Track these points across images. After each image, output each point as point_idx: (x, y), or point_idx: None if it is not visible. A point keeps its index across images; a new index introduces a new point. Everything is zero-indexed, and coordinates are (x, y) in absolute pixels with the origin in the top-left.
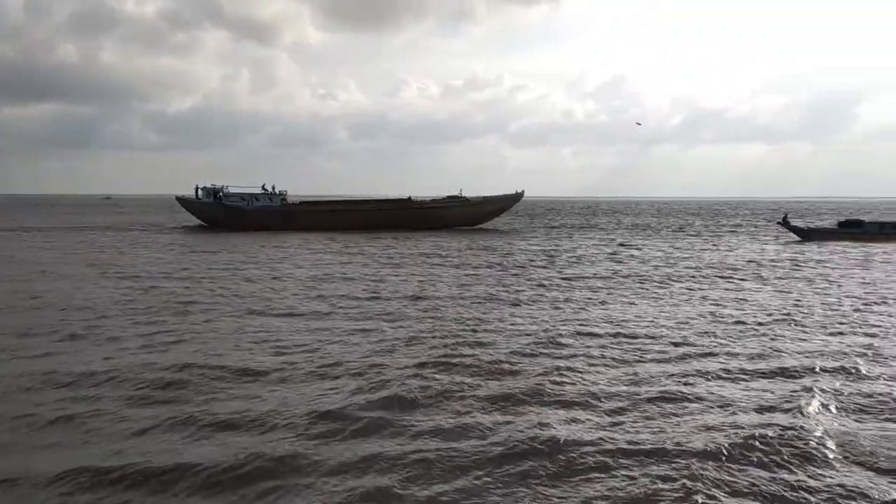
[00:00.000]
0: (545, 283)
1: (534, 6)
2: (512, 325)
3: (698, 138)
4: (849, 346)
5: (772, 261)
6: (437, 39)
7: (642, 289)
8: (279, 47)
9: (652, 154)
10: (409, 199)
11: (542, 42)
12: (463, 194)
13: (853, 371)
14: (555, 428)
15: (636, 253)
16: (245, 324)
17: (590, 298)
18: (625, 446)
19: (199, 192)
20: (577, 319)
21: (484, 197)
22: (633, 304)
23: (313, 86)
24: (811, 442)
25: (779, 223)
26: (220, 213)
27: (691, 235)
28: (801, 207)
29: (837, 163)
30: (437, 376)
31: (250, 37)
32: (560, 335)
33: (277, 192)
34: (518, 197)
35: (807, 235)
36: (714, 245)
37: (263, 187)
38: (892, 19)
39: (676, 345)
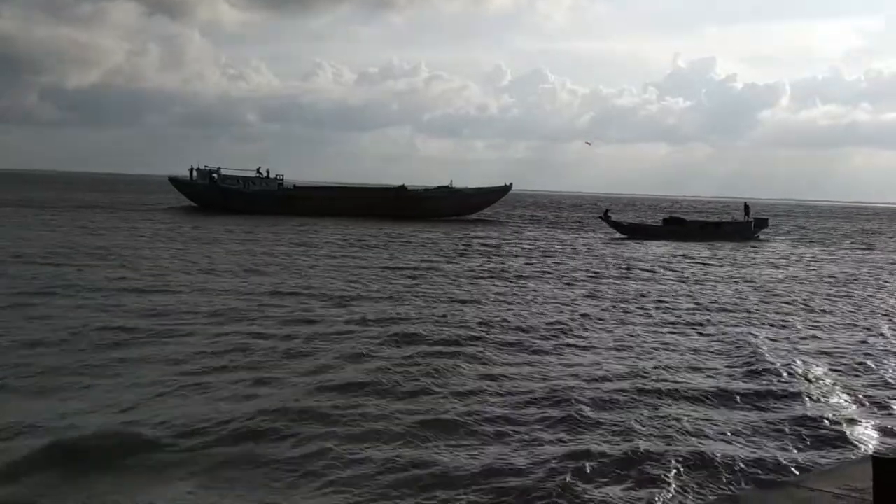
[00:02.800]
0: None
1: None
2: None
3: (607, 136)
4: None
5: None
6: (356, 26)
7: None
8: (192, 24)
9: (562, 150)
10: (403, 187)
11: (461, 35)
12: (452, 184)
13: None
14: None
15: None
16: None
17: None
18: None
19: (194, 173)
20: None
21: (475, 188)
22: None
23: (223, 66)
24: None
25: (600, 218)
26: (216, 196)
27: (546, 227)
28: (697, 205)
29: (737, 165)
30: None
31: (162, 11)
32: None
33: (273, 176)
34: (506, 189)
35: (629, 232)
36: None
37: (258, 171)
38: (795, 26)
39: None
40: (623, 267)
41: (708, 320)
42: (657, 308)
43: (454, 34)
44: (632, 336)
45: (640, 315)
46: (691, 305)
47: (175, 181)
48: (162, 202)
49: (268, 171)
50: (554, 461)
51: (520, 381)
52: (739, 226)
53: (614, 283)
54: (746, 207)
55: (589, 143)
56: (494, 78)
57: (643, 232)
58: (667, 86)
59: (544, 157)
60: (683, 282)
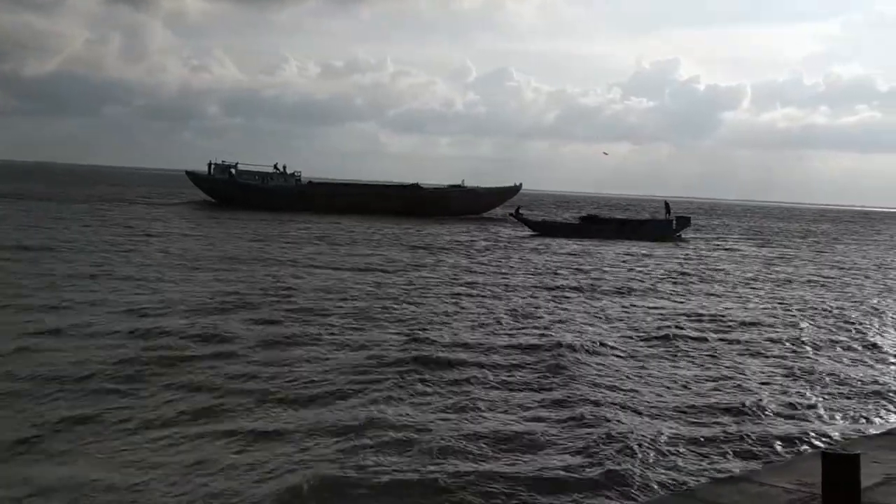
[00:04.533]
0: None
1: None
2: None
3: (571, 135)
4: None
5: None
6: (323, 18)
7: None
8: (155, 14)
9: (526, 148)
10: (417, 185)
11: (429, 31)
12: (464, 183)
13: None
14: None
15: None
16: None
17: None
18: None
19: (212, 168)
20: None
21: (487, 188)
22: None
23: (186, 57)
24: None
25: (511, 215)
26: (235, 191)
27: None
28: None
29: (699, 166)
30: None
31: (125, 0)
32: None
33: (290, 172)
34: (516, 189)
35: (539, 229)
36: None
37: (275, 167)
38: (758, 30)
39: None
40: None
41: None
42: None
43: (422, 30)
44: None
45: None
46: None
47: (193, 176)
48: (174, 196)
49: (284, 167)
50: None
51: None
52: (659, 224)
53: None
54: (667, 206)
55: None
56: (460, 75)
57: (554, 229)
58: (631, 86)
59: (510, 156)
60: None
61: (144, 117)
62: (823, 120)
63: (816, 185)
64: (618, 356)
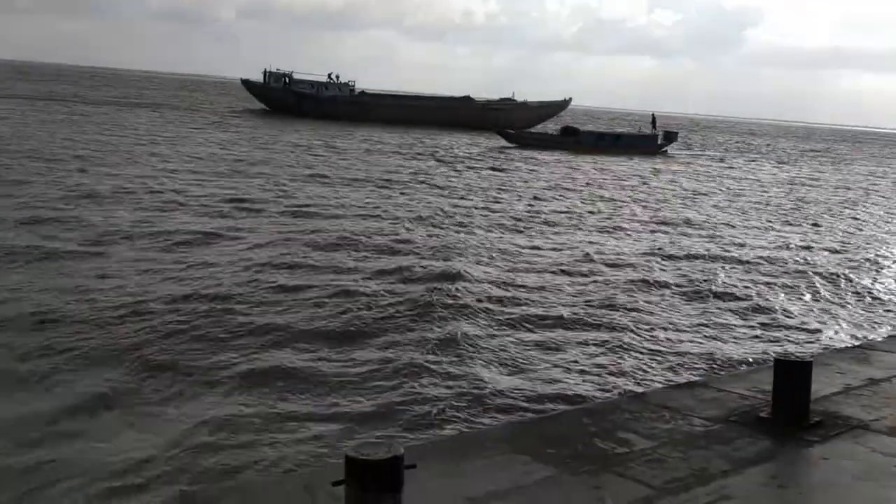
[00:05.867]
0: None
1: None
2: None
3: (594, 48)
4: None
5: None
6: None
7: None
8: None
9: (547, 61)
10: (468, 97)
11: None
12: (514, 97)
13: None
14: None
15: None
16: None
17: None
18: None
19: (267, 76)
20: None
21: (539, 102)
22: None
23: None
24: None
25: (497, 132)
26: (290, 99)
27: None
28: (676, 124)
29: (723, 83)
30: None
31: None
32: None
33: (345, 82)
34: (566, 104)
35: (517, 141)
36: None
37: (330, 76)
38: None
39: None
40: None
41: None
42: None
43: None
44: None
45: None
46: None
47: (248, 84)
48: (233, 105)
49: (338, 77)
50: None
51: None
52: (642, 138)
53: None
54: (653, 119)
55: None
56: None
57: (533, 142)
58: None
59: (529, 67)
60: None
61: (158, 18)
62: (851, 43)
63: (842, 106)
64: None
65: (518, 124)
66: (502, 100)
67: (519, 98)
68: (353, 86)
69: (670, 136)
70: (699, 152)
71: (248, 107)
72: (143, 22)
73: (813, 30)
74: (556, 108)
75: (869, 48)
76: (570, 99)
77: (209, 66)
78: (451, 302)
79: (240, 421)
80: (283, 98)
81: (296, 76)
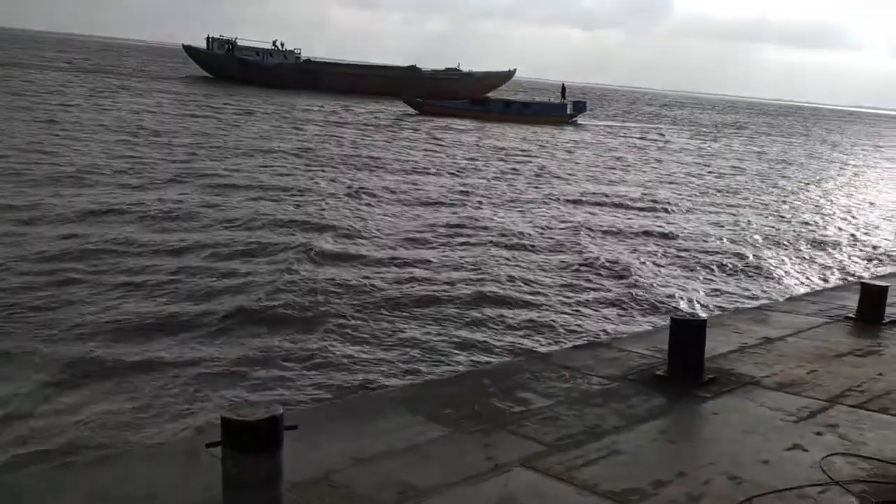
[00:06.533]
0: None
1: None
2: None
3: (526, 16)
4: None
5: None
6: None
7: None
8: None
9: (478, 28)
10: (415, 67)
11: None
12: (460, 67)
13: None
14: None
15: None
16: None
17: None
18: None
19: (211, 42)
20: None
21: (484, 72)
22: None
23: None
24: None
25: (401, 98)
26: (234, 67)
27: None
28: (606, 93)
29: (651, 55)
30: None
31: None
32: None
33: (291, 49)
34: (510, 75)
35: (422, 109)
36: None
37: (274, 43)
38: None
39: None
40: None
41: None
42: None
43: None
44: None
45: None
46: None
47: (190, 50)
48: (172, 73)
49: (283, 44)
50: None
51: None
52: (550, 107)
53: None
54: (563, 89)
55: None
56: None
57: (439, 110)
58: None
59: (461, 34)
60: None
61: None
62: (775, 15)
63: (765, 80)
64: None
65: (463, 94)
66: (448, 69)
67: (464, 68)
68: (299, 54)
69: (579, 107)
70: (606, 122)
71: (191, 73)
72: None
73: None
74: (501, 78)
75: (795, 22)
76: (515, 70)
77: (127, 27)
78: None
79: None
80: (227, 65)
81: (240, 43)
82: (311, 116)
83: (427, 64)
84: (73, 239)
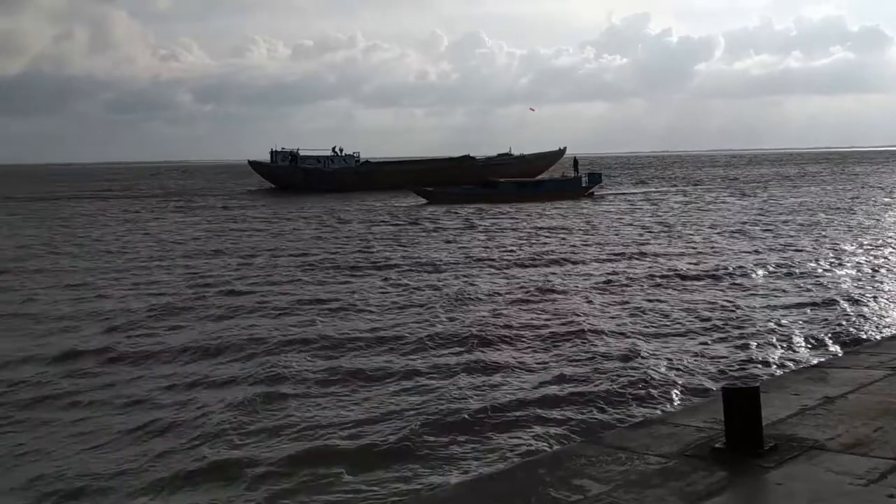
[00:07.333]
0: None
1: None
2: None
3: (546, 97)
4: None
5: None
6: None
7: None
8: (120, 4)
9: (500, 114)
10: (468, 156)
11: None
12: (511, 151)
13: None
14: None
15: None
16: None
17: None
18: None
19: (276, 155)
20: None
21: (535, 154)
22: None
23: (154, 46)
24: None
25: (409, 188)
26: (298, 176)
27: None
28: (633, 160)
29: (675, 119)
30: None
31: None
32: None
33: (350, 153)
34: (561, 153)
35: (434, 197)
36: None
37: (334, 150)
38: None
39: None
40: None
41: None
42: None
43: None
44: None
45: None
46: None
47: (255, 164)
48: (238, 186)
49: (341, 150)
50: None
51: None
52: (564, 183)
53: None
54: (575, 162)
55: (533, 110)
56: (432, 44)
57: (448, 197)
58: (603, 43)
59: (484, 122)
60: None
61: (113, 111)
62: (797, 64)
63: (790, 130)
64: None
65: (521, 176)
66: (500, 155)
67: (516, 151)
68: (358, 156)
69: (594, 178)
70: (627, 190)
71: (258, 187)
72: (96, 116)
73: (759, 55)
74: (553, 157)
75: (815, 69)
76: (565, 148)
77: (169, 151)
78: None
79: None
80: (291, 175)
81: (301, 153)
82: (350, 216)
83: (458, 152)
84: None
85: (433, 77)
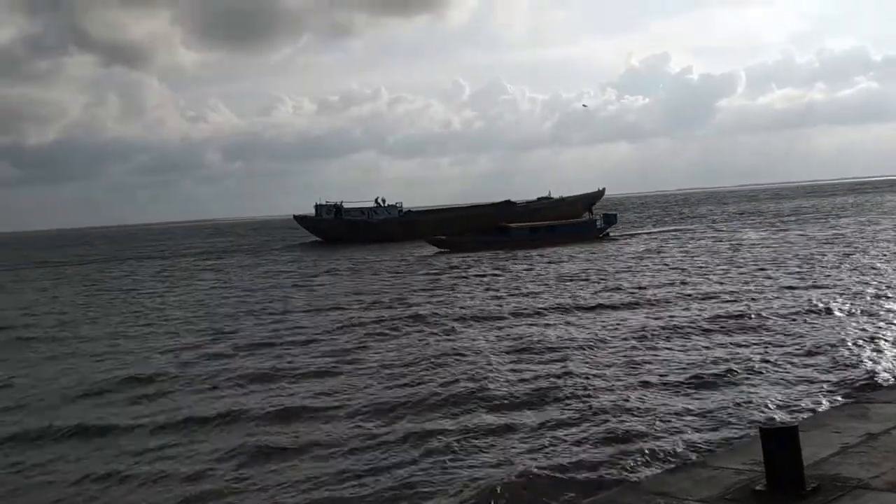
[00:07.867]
0: None
1: (414, 17)
2: None
3: (569, 141)
4: None
5: None
6: (313, 55)
7: None
8: (150, 71)
9: (526, 159)
10: (509, 201)
11: (420, 53)
12: (551, 195)
13: None
14: None
15: None
16: None
17: None
18: None
19: (320, 209)
20: None
21: (576, 196)
22: None
23: (182, 108)
24: None
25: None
26: (342, 228)
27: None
28: (660, 200)
29: (697, 156)
30: None
31: (120, 61)
32: None
33: (393, 204)
34: (601, 194)
35: (448, 246)
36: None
37: (377, 200)
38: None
39: None
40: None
41: None
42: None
43: (412, 53)
44: None
45: None
46: None
47: (300, 219)
48: (285, 239)
49: (384, 200)
50: None
51: None
52: (578, 226)
53: None
54: (590, 205)
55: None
56: (455, 94)
57: (461, 246)
58: (624, 84)
59: (509, 168)
60: None
61: (146, 173)
62: (821, 96)
63: (817, 161)
64: None
65: (563, 219)
66: (540, 199)
67: (555, 195)
68: (401, 206)
69: (609, 219)
70: (649, 230)
71: (304, 239)
72: (129, 178)
73: (782, 88)
74: (592, 198)
75: (839, 99)
76: (604, 189)
77: (199, 210)
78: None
79: None
80: (336, 228)
81: (345, 206)
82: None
83: (482, 199)
84: None
85: (457, 125)
